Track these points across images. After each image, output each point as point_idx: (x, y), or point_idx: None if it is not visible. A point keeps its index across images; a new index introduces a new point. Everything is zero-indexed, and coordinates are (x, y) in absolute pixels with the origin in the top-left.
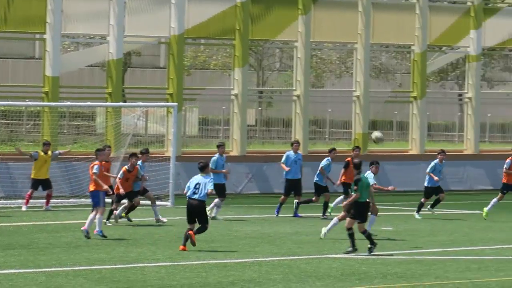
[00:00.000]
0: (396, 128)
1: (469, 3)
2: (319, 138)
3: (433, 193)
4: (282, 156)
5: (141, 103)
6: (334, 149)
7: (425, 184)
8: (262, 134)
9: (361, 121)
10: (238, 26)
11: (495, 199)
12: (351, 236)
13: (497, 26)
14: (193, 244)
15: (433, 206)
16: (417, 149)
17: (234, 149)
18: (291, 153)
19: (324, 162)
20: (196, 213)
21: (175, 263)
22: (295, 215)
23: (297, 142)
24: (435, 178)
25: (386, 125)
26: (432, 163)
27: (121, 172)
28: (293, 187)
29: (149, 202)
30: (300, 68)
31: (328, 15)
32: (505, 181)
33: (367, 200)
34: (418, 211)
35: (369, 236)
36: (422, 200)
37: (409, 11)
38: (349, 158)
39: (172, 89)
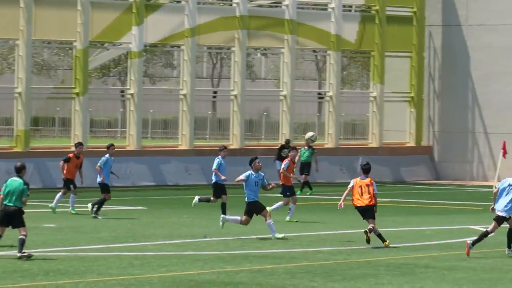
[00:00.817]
0: (58, 124)
1: (131, 0)
2: None
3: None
4: None
5: None
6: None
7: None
8: None
9: (23, 118)
10: None
11: (280, 202)
12: None
13: (158, 22)
14: None
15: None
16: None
17: None
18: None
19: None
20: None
21: None
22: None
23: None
24: (223, 177)
25: (49, 121)
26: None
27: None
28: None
29: None
30: None
31: None
32: (282, 182)
33: None
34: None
35: None
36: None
37: (71, 7)
38: (71, 154)
39: None
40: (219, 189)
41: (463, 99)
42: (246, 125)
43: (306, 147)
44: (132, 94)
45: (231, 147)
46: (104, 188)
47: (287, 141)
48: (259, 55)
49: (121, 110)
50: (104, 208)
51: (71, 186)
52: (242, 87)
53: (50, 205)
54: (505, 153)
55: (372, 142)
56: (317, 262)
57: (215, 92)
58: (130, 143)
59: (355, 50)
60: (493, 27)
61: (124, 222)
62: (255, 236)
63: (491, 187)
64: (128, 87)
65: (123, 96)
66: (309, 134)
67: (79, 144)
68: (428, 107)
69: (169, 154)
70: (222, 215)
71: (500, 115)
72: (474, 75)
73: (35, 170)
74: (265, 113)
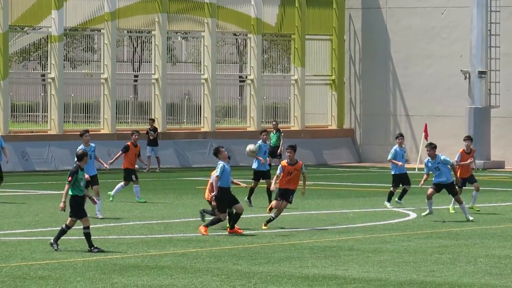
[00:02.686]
0: None
1: None
2: None
3: (401, 181)
4: None
5: None
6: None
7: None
8: None
9: None
10: None
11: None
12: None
13: (78, 6)
14: None
15: (400, 197)
16: (1, 131)
17: None
18: None
19: None
20: None
21: None
22: None
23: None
24: (399, 163)
25: None
26: (392, 149)
27: None
28: None
29: None
30: None
31: None
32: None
33: None
34: (388, 200)
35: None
36: (392, 189)
37: None
38: (129, 143)
39: None
40: (259, 175)
41: (384, 82)
42: (168, 108)
43: (274, 131)
44: (53, 78)
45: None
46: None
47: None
48: (179, 38)
49: (42, 94)
50: (27, 192)
51: (133, 177)
52: (163, 70)
53: (109, 192)
54: (426, 135)
55: (294, 125)
56: (241, 245)
57: (136, 76)
58: (52, 128)
59: (275, 34)
60: (412, 10)
61: (47, 206)
62: (179, 220)
63: (413, 169)
64: (48, 71)
65: (44, 80)
66: (250, 147)
67: (135, 132)
68: (350, 90)
69: (91, 138)
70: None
71: (421, 98)
72: (395, 57)
73: None
74: (186, 97)
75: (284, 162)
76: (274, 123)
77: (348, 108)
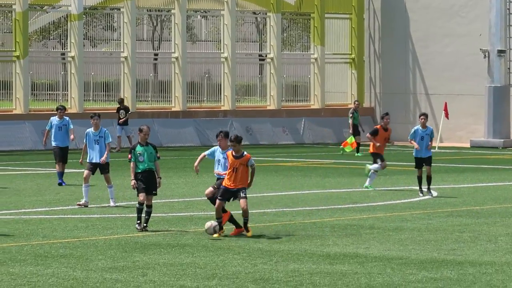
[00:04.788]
0: None
1: None
2: None
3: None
4: None
5: None
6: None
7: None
8: None
9: None
10: None
11: None
12: None
13: None
14: None
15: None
16: (22, 109)
17: None
18: (55, 118)
19: None
20: None
21: None
22: None
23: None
24: (416, 146)
25: None
26: (412, 129)
27: None
28: None
29: None
30: None
31: None
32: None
33: None
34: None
35: None
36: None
37: None
38: (378, 126)
39: None
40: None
41: (404, 60)
42: (188, 87)
43: (356, 110)
44: (72, 57)
45: (173, 109)
46: None
47: (120, 101)
48: (199, 17)
49: (62, 73)
50: (47, 171)
51: (378, 160)
52: (183, 49)
53: (365, 184)
54: (447, 114)
55: (314, 103)
56: (263, 223)
57: (156, 55)
58: (72, 106)
59: (295, 12)
60: None
61: (68, 184)
62: (199, 198)
63: (434, 148)
64: (68, 49)
65: (64, 59)
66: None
67: (386, 114)
68: (369, 69)
69: (111, 117)
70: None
71: (440, 77)
72: (414, 36)
73: None
74: (206, 75)
75: None
76: (356, 103)
77: (368, 87)
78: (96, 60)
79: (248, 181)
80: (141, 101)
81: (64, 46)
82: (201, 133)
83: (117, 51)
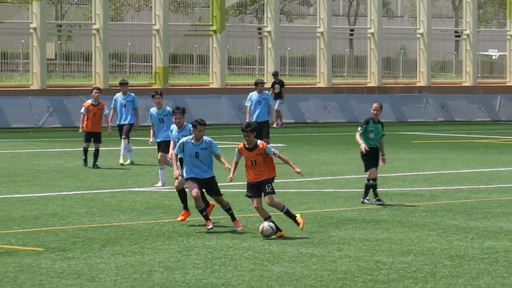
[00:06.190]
0: (196, 61)
1: None
2: (119, 72)
3: None
4: (82, 90)
5: None
6: None
7: None
8: (62, 68)
9: (161, 55)
10: None
11: None
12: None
13: None
14: None
15: None
16: (218, 83)
17: (34, 83)
18: (254, 93)
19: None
20: None
21: None
22: None
23: (262, 82)
24: None
25: (187, 58)
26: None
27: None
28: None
29: None
30: (99, 2)
31: None
32: None
33: None
34: None
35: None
36: None
37: None
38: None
39: None
40: None
41: None
42: (383, 63)
43: None
44: (269, 32)
45: (369, 85)
46: None
47: (275, 73)
48: None
49: (258, 47)
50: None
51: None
52: (379, 25)
53: None
54: None
55: (510, 80)
56: (458, 200)
57: (352, 30)
58: (268, 80)
59: None
60: None
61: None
62: (395, 174)
63: None
64: (265, 24)
65: (260, 33)
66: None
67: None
68: None
69: (307, 92)
70: None
71: None
72: None
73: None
74: (402, 51)
75: None
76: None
77: None
78: (292, 35)
79: (291, 165)
80: (336, 76)
81: (261, 21)
82: (396, 109)
83: (313, 26)
